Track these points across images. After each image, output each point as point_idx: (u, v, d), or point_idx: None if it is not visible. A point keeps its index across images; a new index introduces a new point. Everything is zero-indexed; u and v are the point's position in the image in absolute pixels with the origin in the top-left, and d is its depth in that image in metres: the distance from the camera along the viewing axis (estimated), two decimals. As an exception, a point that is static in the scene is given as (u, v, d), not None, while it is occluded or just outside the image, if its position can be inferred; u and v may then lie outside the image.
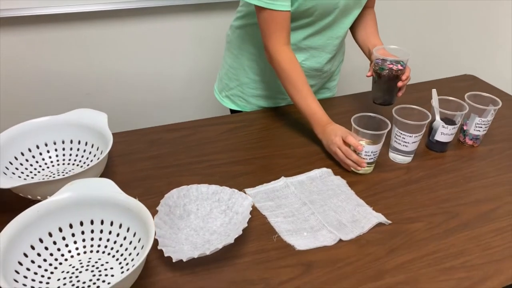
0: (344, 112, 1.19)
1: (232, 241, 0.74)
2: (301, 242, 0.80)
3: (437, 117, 1.05)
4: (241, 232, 0.75)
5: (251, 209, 0.82)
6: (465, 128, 1.10)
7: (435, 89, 1.07)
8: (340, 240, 0.81)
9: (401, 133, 1.00)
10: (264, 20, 1.03)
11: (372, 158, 0.97)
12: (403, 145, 1.01)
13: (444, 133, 1.04)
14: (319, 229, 0.83)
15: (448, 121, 1.04)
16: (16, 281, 0.65)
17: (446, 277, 0.75)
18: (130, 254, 0.74)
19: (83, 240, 0.76)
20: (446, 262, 0.78)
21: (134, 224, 0.74)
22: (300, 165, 1.01)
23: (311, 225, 0.84)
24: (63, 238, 0.75)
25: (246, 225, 0.77)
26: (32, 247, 0.71)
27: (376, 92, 1.07)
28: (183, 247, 0.77)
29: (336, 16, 1.08)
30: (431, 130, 1.07)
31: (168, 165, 0.99)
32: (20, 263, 0.68)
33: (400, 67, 1.02)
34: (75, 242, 0.76)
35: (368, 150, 0.96)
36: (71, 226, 0.75)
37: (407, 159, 1.04)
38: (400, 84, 1.04)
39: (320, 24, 1.09)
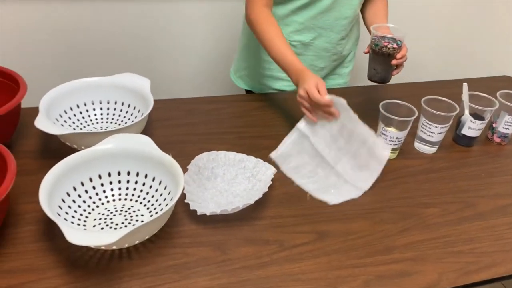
0: (357, 103, 1.22)
1: (252, 202, 0.79)
2: (332, 197, 0.88)
3: (466, 111, 1.06)
4: (261, 196, 0.81)
5: (273, 176, 0.87)
6: (494, 125, 1.11)
7: (466, 83, 1.09)
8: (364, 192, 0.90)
9: (427, 123, 1.02)
10: None
11: (396, 144, 1.00)
12: (429, 135, 1.03)
13: (471, 128, 1.06)
14: (342, 185, 0.91)
15: (477, 116, 1.05)
16: (58, 214, 0.73)
17: (454, 259, 0.78)
18: (160, 204, 0.81)
19: (119, 189, 0.84)
20: (455, 246, 0.81)
21: (165, 178, 0.81)
22: (326, 145, 1.06)
23: (334, 182, 0.92)
24: (102, 185, 0.83)
25: (267, 190, 0.82)
26: (74, 188, 0.79)
27: (371, 69, 1.07)
28: (208, 205, 0.84)
29: None
30: (458, 124, 1.08)
31: (200, 133, 1.06)
32: (63, 200, 0.76)
33: (395, 46, 1.02)
34: (111, 189, 0.84)
35: (393, 136, 0.99)
36: (109, 174, 0.83)
37: (432, 149, 1.06)
38: (394, 62, 1.03)
39: (324, 2, 1.12)
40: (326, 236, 0.81)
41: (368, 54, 1.07)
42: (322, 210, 0.87)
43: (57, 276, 0.69)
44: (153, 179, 0.83)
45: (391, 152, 1.02)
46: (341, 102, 0.92)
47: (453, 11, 2.00)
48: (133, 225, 0.78)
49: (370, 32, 1.16)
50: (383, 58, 1.03)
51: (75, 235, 0.63)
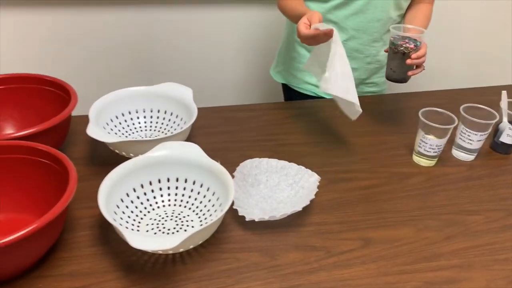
0: (395, 110, 1.23)
1: (300, 209, 0.81)
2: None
3: (505, 119, 1.06)
4: (308, 203, 0.82)
5: (318, 184, 0.89)
6: (532, 133, 1.11)
7: (505, 91, 1.09)
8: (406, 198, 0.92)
9: (467, 131, 1.03)
10: None
11: (436, 152, 1.01)
12: (468, 142, 1.04)
13: (510, 135, 1.06)
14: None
15: (516, 124, 1.05)
16: (114, 220, 0.76)
17: (500, 267, 0.79)
18: (208, 210, 0.83)
19: (168, 194, 0.86)
20: (501, 254, 0.81)
21: (213, 185, 0.84)
22: (363, 153, 1.07)
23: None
24: (152, 191, 0.85)
25: (314, 197, 0.84)
26: (127, 195, 0.82)
27: (388, 69, 1.08)
28: (253, 211, 0.86)
29: None
30: (497, 131, 1.09)
31: (240, 140, 1.08)
32: (118, 206, 0.79)
33: (412, 46, 1.02)
34: (161, 196, 0.86)
35: (433, 143, 1.00)
36: (159, 181, 0.86)
37: (470, 157, 1.06)
38: (408, 61, 1.03)
39: (356, 3, 1.15)
40: (371, 243, 0.82)
41: (387, 53, 1.09)
42: (366, 217, 0.88)
43: (116, 279, 0.71)
44: (201, 185, 0.86)
45: (430, 160, 1.03)
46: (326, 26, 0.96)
47: (485, 16, 2.00)
48: (185, 230, 0.81)
49: None
50: (399, 57, 1.04)
51: (137, 240, 0.65)
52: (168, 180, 0.86)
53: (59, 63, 1.64)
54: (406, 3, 1.21)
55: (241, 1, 1.72)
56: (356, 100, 1.00)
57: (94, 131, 0.88)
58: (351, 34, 1.21)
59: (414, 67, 1.06)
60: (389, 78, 1.10)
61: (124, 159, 0.96)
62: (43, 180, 0.76)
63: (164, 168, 0.85)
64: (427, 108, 1.03)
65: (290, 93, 1.38)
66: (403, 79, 1.08)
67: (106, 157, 0.97)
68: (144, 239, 0.67)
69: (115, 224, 0.69)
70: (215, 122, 1.15)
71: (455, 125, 0.99)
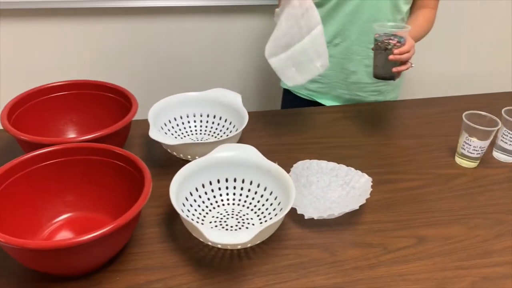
0: (438, 112, 1.26)
1: (357, 207, 0.85)
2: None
3: (546, 122, 1.09)
4: (364, 201, 0.86)
5: (371, 183, 0.92)
6: None
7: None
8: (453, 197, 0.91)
9: (509, 133, 1.05)
10: None
11: (479, 154, 1.04)
12: (510, 144, 1.06)
13: (551, 137, 1.09)
14: None
15: (556, 126, 1.08)
16: (187, 216, 0.80)
17: (553, 263, 0.81)
18: (266, 209, 0.87)
19: (227, 194, 0.91)
20: (552, 251, 0.84)
21: (271, 185, 0.88)
22: (406, 155, 1.10)
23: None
24: (212, 190, 0.90)
25: (369, 196, 0.88)
26: (191, 194, 0.86)
27: (374, 66, 1.08)
28: (308, 210, 0.89)
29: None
30: (537, 134, 1.11)
31: (286, 143, 1.12)
32: (183, 204, 0.83)
33: (395, 41, 1.01)
34: (220, 195, 0.90)
35: (477, 145, 1.03)
36: (218, 181, 0.90)
37: (510, 158, 1.09)
38: (391, 57, 1.02)
39: (350, 3, 1.16)
40: (425, 240, 0.85)
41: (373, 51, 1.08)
42: (417, 216, 0.91)
43: (188, 273, 0.75)
44: (258, 185, 0.90)
45: (472, 161, 1.06)
46: None
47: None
48: (246, 227, 0.84)
49: None
50: (383, 53, 1.04)
51: (214, 234, 0.69)
52: (227, 180, 0.91)
53: (110, 70, 1.68)
54: (405, 6, 1.21)
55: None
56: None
57: (155, 134, 0.93)
58: (347, 35, 1.22)
59: (399, 64, 1.05)
60: (375, 75, 1.09)
61: (178, 160, 1.01)
62: (116, 181, 0.80)
63: (223, 169, 0.89)
64: (470, 111, 1.06)
65: (289, 98, 1.40)
66: (390, 77, 1.07)
67: (161, 159, 1.01)
68: (220, 234, 0.71)
69: (190, 220, 0.73)
70: (260, 126, 1.19)
71: (498, 127, 1.02)
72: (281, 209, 0.84)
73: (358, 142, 1.14)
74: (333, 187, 0.96)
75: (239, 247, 0.78)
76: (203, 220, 0.85)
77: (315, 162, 0.99)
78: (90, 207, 0.82)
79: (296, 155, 1.06)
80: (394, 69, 1.05)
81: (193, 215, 0.84)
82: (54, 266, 0.69)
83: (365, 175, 0.95)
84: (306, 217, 0.83)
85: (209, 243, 0.78)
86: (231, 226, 0.85)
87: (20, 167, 0.76)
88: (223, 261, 0.78)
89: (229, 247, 0.78)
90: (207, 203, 0.88)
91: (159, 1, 1.60)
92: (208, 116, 1.12)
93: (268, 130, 1.17)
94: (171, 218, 0.86)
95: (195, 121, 1.12)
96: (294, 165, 0.96)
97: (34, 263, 0.69)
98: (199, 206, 0.87)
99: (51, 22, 1.53)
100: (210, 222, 0.85)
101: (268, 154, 1.05)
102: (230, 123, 1.10)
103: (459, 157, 1.08)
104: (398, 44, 1.03)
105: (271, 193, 0.88)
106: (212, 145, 0.93)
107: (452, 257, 0.82)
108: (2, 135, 1.06)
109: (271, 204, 0.87)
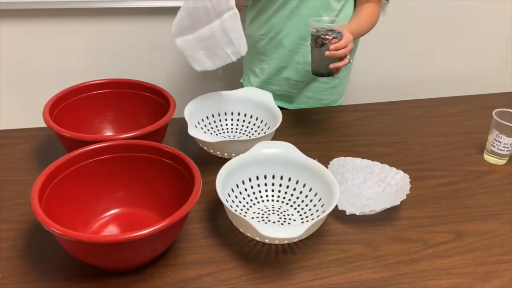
0: (466, 110, 1.28)
1: (398, 203, 0.86)
2: None
3: None
4: (405, 197, 0.87)
5: (409, 180, 0.93)
6: None
7: None
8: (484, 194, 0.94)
9: (538, 130, 1.07)
10: None
11: (509, 150, 1.06)
12: (539, 142, 1.08)
13: None
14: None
15: None
16: (235, 211, 0.81)
17: None
18: (307, 205, 0.88)
19: (266, 191, 0.92)
20: None
21: (310, 181, 0.89)
22: (435, 152, 1.12)
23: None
24: (252, 187, 0.91)
25: (409, 192, 0.89)
26: (232, 190, 0.87)
27: (311, 62, 1.04)
28: (346, 206, 0.90)
29: None
30: None
31: (317, 141, 1.14)
32: (226, 200, 0.84)
33: (331, 37, 0.98)
34: (259, 191, 0.91)
35: (507, 142, 1.04)
36: (257, 177, 0.91)
37: (539, 156, 1.11)
38: (327, 53, 0.97)
39: (291, 3, 1.12)
40: (463, 235, 0.87)
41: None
42: (452, 211, 0.92)
43: (236, 267, 0.76)
44: (297, 182, 0.91)
45: (501, 159, 1.07)
46: None
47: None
48: (288, 223, 0.86)
49: None
50: (319, 49, 1.00)
51: (266, 229, 0.70)
52: (265, 177, 0.92)
53: (136, 69, 1.69)
54: (337, 4, 1.16)
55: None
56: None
57: (194, 132, 0.94)
58: (280, 30, 1.17)
59: (337, 60, 1.01)
60: (313, 72, 1.05)
61: (214, 158, 1.02)
62: (164, 178, 0.82)
63: (264, 166, 0.91)
64: (500, 109, 1.07)
65: None
66: (328, 73, 1.03)
67: (197, 156, 1.03)
68: (272, 228, 0.72)
69: (239, 214, 0.74)
70: (290, 124, 1.20)
71: (529, 125, 1.03)
72: (323, 205, 0.85)
73: (388, 139, 1.15)
74: (368, 184, 0.98)
75: (285, 242, 0.79)
76: (245, 215, 0.86)
77: (349, 159, 1.01)
78: (136, 203, 0.83)
79: (329, 153, 1.08)
80: (331, 66, 1.01)
81: (235, 210, 0.85)
82: (107, 260, 0.70)
83: (401, 172, 0.97)
84: (347, 213, 0.85)
85: (257, 238, 0.80)
86: (274, 222, 0.86)
87: (69, 164, 0.78)
88: (269, 255, 0.79)
89: (276, 242, 0.79)
90: (248, 199, 0.90)
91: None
92: (239, 114, 1.13)
93: (297, 128, 1.19)
94: (213, 214, 0.88)
95: (226, 120, 1.13)
96: (331, 162, 0.97)
97: (88, 256, 0.70)
98: (240, 202, 0.88)
99: (80, 21, 1.54)
100: (252, 218, 0.87)
101: (301, 151, 1.07)
102: (262, 121, 1.11)
103: (488, 154, 1.10)
104: (334, 40, 0.98)
105: (310, 190, 0.89)
106: (249, 143, 0.95)
107: (492, 252, 0.83)
108: (37, 133, 1.07)
109: (311, 201, 0.88)
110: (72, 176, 0.78)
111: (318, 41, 1.00)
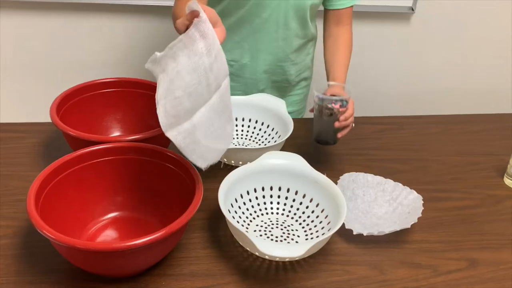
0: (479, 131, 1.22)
1: (408, 226, 0.82)
2: None
3: None
4: (416, 220, 0.83)
5: (422, 202, 0.89)
6: None
7: None
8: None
9: None
10: None
11: (532, 175, 1.00)
12: None
13: None
14: None
15: None
16: (239, 224, 0.78)
17: None
18: (312, 221, 0.85)
19: (271, 203, 0.89)
20: None
21: (317, 196, 0.85)
22: (453, 173, 1.07)
23: None
24: (256, 198, 0.88)
25: (420, 215, 0.84)
26: (236, 200, 0.85)
27: (316, 130, 1.00)
28: (354, 225, 0.87)
29: (270, 13, 1.04)
30: None
31: (328, 153, 1.10)
32: (229, 211, 0.81)
33: (337, 106, 0.94)
34: (264, 203, 0.88)
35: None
36: (263, 188, 0.88)
37: None
38: (337, 124, 0.93)
39: (255, 21, 1.05)
40: (476, 264, 0.82)
41: (313, 114, 0.99)
42: (467, 237, 0.88)
43: (233, 282, 0.74)
44: (304, 196, 0.87)
45: (523, 183, 1.02)
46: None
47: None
48: (291, 239, 0.82)
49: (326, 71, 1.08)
50: (326, 119, 0.95)
51: (266, 246, 0.67)
52: (271, 188, 0.89)
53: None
54: (311, 22, 1.12)
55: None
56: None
57: (201, 137, 0.91)
58: (254, 54, 1.12)
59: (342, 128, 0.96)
60: (317, 140, 1.00)
61: (220, 164, 1.00)
62: (165, 184, 0.79)
63: (270, 177, 0.87)
64: (525, 130, 1.02)
65: None
66: (331, 141, 0.99)
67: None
68: (272, 245, 0.69)
69: (240, 228, 0.71)
70: (301, 134, 1.16)
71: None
72: (329, 222, 0.81)
73: (404, 156, 1.11)
74: (379, 202, 0.94)
75: (287, 259, 0.76)
76: (247, 228, 0.83)
77: (361, 175, 0.97)
78: (136, 208, 0.81)
79: (341, 166, 1.04)
80: (339, 135, 0.96)
81: (238, 222, 0.83)
82: (101, 267, 0.68)
83: (414, 192, 0.92)
84: (354, 233, 0.81)
85: (256, 253, 0.77)
86: (276, 237, 0.83)
87: (69, 164, 0.76)
88: (269, 272, 0.76)
89: (277, 259, 0.76)
90: (251, 210, 0.87)
91: None
92: (250, 120, 1.10)
93: (309, 137, 1.15)
94: (214, 223, 0.85)
95: (236, 125, 1.10)
96: (341, 177, 0.93)
97: (82, 262, 0.68)
98: (243, 213, 0.85)
99: (95, 17, 1.54)
100: (255, 231, 0.83)
101: (311, 163, 1.03)
102: (273, 129, 1.08)
103: (508, 178, 1.04)
104: (342, 109, 0.94)
105: (317, 205, 0.85)
106: (257, 152, 0.92)
107: (505, 285, 0.78)
108: (45, 128, 1.07)
109: (317, 217, 0.85)
110: (73, 177, 0.76)
111: (325, 112, 0.95)
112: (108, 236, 0.78)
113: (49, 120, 1.02)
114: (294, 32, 1.11)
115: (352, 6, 1.13)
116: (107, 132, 1.04)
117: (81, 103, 0.98)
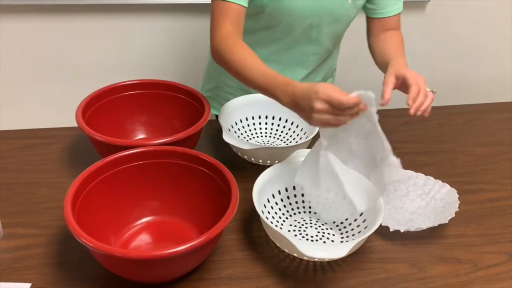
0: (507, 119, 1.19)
1: (446, 221, 0.80)
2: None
3: None
4: (453, 215, 0.81)
5: (458, 196, 0.87)
6: None
7: None
8: None
9: None
10: (215, 12, 0.88)
11: None
12: None
13: None
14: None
15: None
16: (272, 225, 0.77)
17: None
18: (346, 219, 0.83)
19: (302, 201, 0.87)
20: None
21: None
22: (482, 164, 1.05)
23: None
24: (288, 197, 0.87)
25: (457, 209, 0.83)
26: (268, 200, 0.83)
27: None
28: (388, 221, 0.85)
29: (304, 30, 0.98)
30: None
31: (355, 148, 1.08)
32: (262, 212, 0.80)
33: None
34: (296, 203, 0.87)
35: None
36: (294, 188, 0.87)
37: None
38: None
39: (289, 37, 1.00)
40: (516, 257, 0.80)
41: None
42: (504, 230, 0.86)
43: (272, 285, 0.73)
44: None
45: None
46: (369, 95, 0.69)
47: None
48: (327, 238, 0.81)
49: (381, 69, 0.95)
50: None
51: (307, 247, 0.66)
52: (302, 188, 0.87)
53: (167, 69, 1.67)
54: (342, 32, 1.06)
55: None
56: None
57: (229, 138, 0.90)
58: (284, 66, 1.04)
59: None
60: None
61: (248, 163, 0.99)
62: (199, 187, 0.78)
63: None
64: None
65: None
66: None
67: (230, 162, 0.98)
68: (313, 247, 0.68)
69: (280, 231, 0.70)
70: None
71: None
72: (364, 220, 0.80)
73: (432, 148, 1.09)
74: (411, 197, 0.92)
75: (326, 259, 0.75)
76: (281, 228, 0.82)
77: (391, 169, 0.95)
78: (170, 212, 0.80)
79: (368, 161, 1.02)
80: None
81: (271, 222, 0.81)
82: (139, 275, 0.67)
83: (447, 185, 0.90)
84: (391, 230, 0.80)
85: (295, 254, 0.76)
86: (312, 236, 0.82)
87: (102, 170, 0.75)
88: (307, 273, 0.75)
89: (316, 260, 0.75)
90: (283, 210, 0.85)
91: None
92: (273, 118, 1.09)
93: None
94: (248, 224, 0.84)
95: (260, 123, 1.09)
96: (372, 173, 0.92)
97: (119, 270, 0.67)
98: (276, 213, 0.84)
99: (117, 18, 1.52)
100: (289, 231, 0.82)
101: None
102: (298, 126, 1.06)
103: (541, 168, 1.02)
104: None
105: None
106: (285, 150, 0.91)
107: (550, 277, 0.77)
108: (72, 133, 1.06)
109: (351, 214, 0.83)
110: (105, 183, 0.75)
111: None
112: (142, 241, 0.78)
113: (72, 124, 1.01)
114: (324, 45, 1.04)
115: (399, 14, 1.02)
116: (131, 135, 1.03)
117: (104, 107, 0.97)
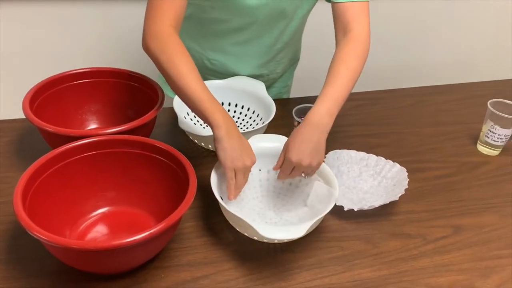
0: (447, 101, 1.26)
1: (397, 198, 0.84)
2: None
3: None
4: (403, 192, 0.85)
5: (407, 174, 0.91)
6: None
7: None
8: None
9: (531, 121, 1.07)
10: (151, 2, 0.81)
11: (503, 141, 1.05)
12: (532, 132, 1.08)
13: None
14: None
15: None
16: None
17: None
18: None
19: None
20: None
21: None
22: (429, 143, 1.10)
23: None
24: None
25: (407, 186, 0.87)
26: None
27: None
28: (342, 201, 0.88)
29: (257, 25, 0.97)
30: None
31: (309, 132, 1.10)
32: (221, 198, 0.80)
33: None
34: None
35: (501, 133, 1.03)
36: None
37: (531, 146, 1.10)
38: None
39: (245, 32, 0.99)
40: (461, 229, 0.86)
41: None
42: (449, 205, 0.91)
43: (233, 268, 0.74)
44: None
45: (495, 149, 1.07)
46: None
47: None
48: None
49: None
50: None
51: (267, 230, 0.68)
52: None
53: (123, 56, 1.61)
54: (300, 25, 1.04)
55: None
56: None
57: (186, 125, 0.90)
58: (237, 58, 1.06)
59: None
60: None
61: (205, 150, 0.98)
62: (155, 175, 0.77)
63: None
64: (495, 99, 1.06)
65: None
66: None
67: (187, 149, 0.98)
68: (272, 229, 0.69)
69: (238, 215, 0.71)
70: (281, 115, 1.16)
71: (524, 115, 1.02)
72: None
73: (382, 130, 1.13)
74: (364, 177, 0.96)
75: (285, 240, 0.77)
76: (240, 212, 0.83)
77: (345, 151, 0.98)
78: (126, 201, 0.79)
79: (322, 144, 1.05)
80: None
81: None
82: (98, 266, 0.66)
83: (397, 165, 0.95)
84: (346, 209, 0.82)
85: (255, 237, 0.77)
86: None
87: (53, 162, 0.72)
88: (267, 255, 0.77)
89: (275, 241, 0.77)
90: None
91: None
92: (229, 104, 1.09)
93: (289, 118, 1.15)
94: (207, 211, 0.84)
95: (216, 110, 1.08)
96: (326, 155, 0.94)
97: (77, 262, 0.66)
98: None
99: (76, 5, 1.45)
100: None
101: (296, 143, 1.03)
102: (254, 112, 1.07)
103: (481, 145, 1.09)
104: None
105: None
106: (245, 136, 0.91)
107: (490, 246, 0.82)
108: (17, 125, 1.01)
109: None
110: (57, 175, 0.73)
111: None
112: (98, 233, 0.76)
113: (18, 116, 0.96)
114: (277, 38, 1.03)
115: (362, 2, 0.92)
116: (83, 126, 1.00)
117: (53, 97, 0.93)
